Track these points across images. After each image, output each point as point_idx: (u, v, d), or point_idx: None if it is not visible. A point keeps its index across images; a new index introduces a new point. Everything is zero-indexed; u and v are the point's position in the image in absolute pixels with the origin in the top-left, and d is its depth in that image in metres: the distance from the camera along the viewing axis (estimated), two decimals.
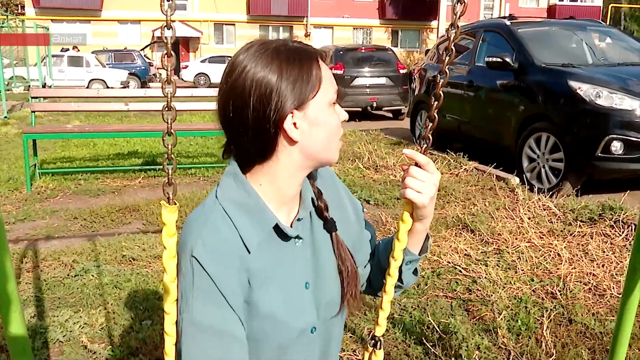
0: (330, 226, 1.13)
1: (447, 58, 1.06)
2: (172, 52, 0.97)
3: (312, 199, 1.13)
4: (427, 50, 11.19)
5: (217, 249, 0.97)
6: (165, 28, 0.94)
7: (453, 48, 1.05)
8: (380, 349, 1.23)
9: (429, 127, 1.10)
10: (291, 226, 1.08)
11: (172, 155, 0.98)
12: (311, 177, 1.15)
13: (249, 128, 0.99)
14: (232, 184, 1.04)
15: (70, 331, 2.71)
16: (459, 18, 1.03)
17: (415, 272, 1.24)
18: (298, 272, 1.08)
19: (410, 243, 1.16)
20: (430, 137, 1.10)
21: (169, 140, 0.97)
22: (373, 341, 1.23)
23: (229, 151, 1.07)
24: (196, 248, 0.96)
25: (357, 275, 1.16)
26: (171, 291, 0.99)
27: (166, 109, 0.99)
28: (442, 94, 1.08)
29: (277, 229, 1.05)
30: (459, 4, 1.02)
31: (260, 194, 1.04)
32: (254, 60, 0.99)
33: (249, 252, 1.00)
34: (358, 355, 2.52)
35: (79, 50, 24.56)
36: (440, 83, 1.08)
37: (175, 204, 0.98)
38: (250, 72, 0.98)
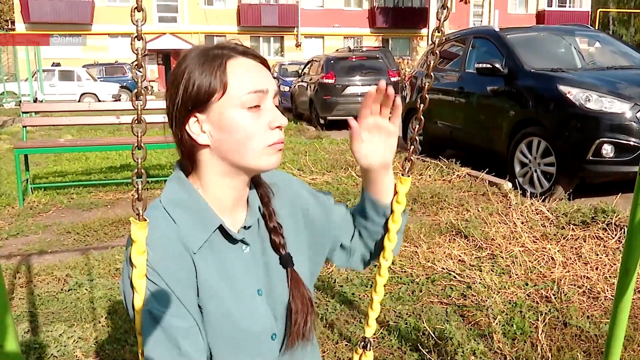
0: (285, 261, 1.09)
1: (432, 62, 1.09)
2: (143, 64, 0.95)
3: (259, 207, 1.11)
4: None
5: (159, 247, 0.96)
6: (136, 39, 0.91)
7: (438, 52, 1.07)
8: (370, 350, 1.22)
9: (416, 128, 1.13)
10: (237, 232, 1.06)
11: (142, 170, 0.96)
12: (260, 184, 1.13)
13: (171, 127, 1.03)
14: (174, 186, 1.04)
15: (65, 346, 2.69)
16: (443, 23, 1.06)
17: (404, 211, 1.20)
18: (248, 278, 1.06)
19: (384, 193, 1.18)
20: (417, 139, 1.13)
21: (139, 154, 0.94)
22: (363, 342, 1.22)
23: None
24: None
25: (309, 310, 1.09)
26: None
27: (136, 121, 0.95)
28: (427, 97, 1.10)
29: (223, 232, 1.04)
30: (442, 9, 1.05)
31: (201, 197, 1.04)
32: (179, 62, 1.02)
33: (193, 252, 0.99)
34: None
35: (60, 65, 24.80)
36: (426, 86, 1.11)
37: (146, 220, 0.95)
38: (172, 74, 1.01)
